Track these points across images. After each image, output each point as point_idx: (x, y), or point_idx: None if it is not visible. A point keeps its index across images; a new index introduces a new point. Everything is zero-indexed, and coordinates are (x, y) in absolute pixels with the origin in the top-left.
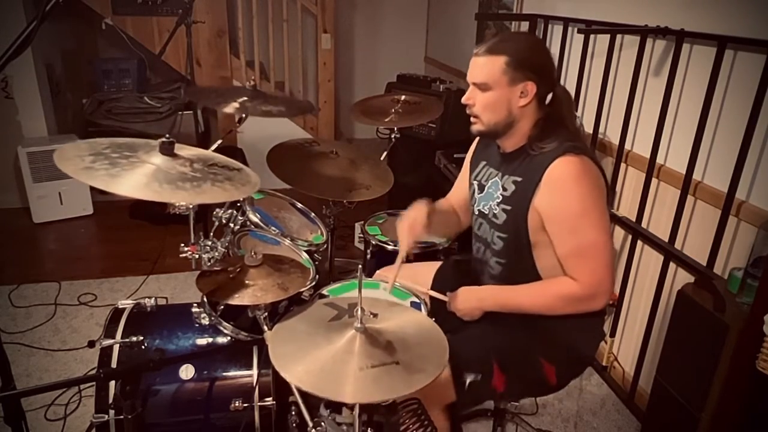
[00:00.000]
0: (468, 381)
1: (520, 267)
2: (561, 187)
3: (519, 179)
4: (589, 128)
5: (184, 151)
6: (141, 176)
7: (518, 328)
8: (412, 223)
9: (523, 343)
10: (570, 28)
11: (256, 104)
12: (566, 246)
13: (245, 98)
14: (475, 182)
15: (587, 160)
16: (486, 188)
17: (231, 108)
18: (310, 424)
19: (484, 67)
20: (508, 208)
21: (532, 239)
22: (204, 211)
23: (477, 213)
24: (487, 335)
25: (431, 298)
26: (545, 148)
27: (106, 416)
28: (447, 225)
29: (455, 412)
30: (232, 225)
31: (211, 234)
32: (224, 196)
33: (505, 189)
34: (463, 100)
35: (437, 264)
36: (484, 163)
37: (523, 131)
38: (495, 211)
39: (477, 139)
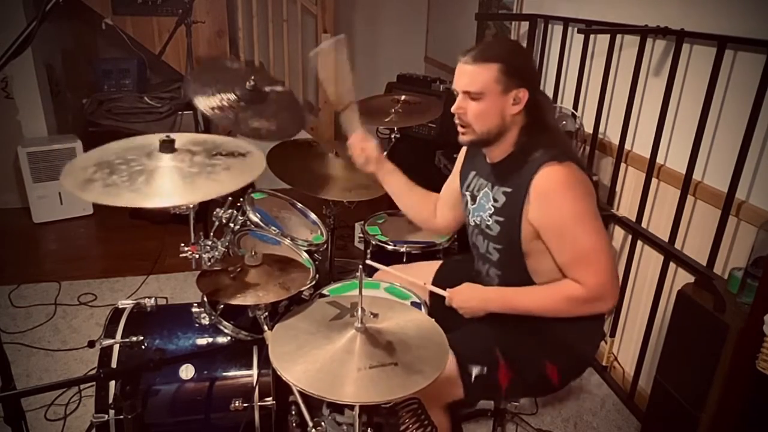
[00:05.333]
0: (474, 374)
1: (516, 276)
2: (550, 198)
3: (509, 190)
4: (589, 128)
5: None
6: (162, 184)
7: (519, 328)
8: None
9: (524, 340)
10: (570, 28)
11: (247, 117)
12: (565, 254)
13: (241, 102)
14: (467, 193)
15: (572, 166)
16: (478, 199)
17: (223, 120)
18: (311, 424)
19: (476, 76)
20: (501, 219)
21: (525, 249)
22: (204, 211)
23: (472, 224)
24: (489, 331)
25: (431, 294)
26: (531, 157)
27: (106, 416)
28: (418, 200)
29: (456, 410)
30: (232, 225)
31: (211, 234)
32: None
33: (496, 200)
34: (454, 109)
35: (437, 263)
36: (474, 173)
37: (511, 139)
38: (488, 223)
39: (464, 149)
